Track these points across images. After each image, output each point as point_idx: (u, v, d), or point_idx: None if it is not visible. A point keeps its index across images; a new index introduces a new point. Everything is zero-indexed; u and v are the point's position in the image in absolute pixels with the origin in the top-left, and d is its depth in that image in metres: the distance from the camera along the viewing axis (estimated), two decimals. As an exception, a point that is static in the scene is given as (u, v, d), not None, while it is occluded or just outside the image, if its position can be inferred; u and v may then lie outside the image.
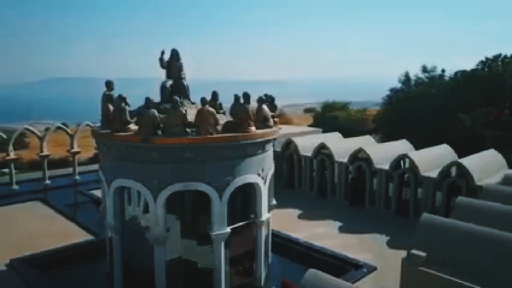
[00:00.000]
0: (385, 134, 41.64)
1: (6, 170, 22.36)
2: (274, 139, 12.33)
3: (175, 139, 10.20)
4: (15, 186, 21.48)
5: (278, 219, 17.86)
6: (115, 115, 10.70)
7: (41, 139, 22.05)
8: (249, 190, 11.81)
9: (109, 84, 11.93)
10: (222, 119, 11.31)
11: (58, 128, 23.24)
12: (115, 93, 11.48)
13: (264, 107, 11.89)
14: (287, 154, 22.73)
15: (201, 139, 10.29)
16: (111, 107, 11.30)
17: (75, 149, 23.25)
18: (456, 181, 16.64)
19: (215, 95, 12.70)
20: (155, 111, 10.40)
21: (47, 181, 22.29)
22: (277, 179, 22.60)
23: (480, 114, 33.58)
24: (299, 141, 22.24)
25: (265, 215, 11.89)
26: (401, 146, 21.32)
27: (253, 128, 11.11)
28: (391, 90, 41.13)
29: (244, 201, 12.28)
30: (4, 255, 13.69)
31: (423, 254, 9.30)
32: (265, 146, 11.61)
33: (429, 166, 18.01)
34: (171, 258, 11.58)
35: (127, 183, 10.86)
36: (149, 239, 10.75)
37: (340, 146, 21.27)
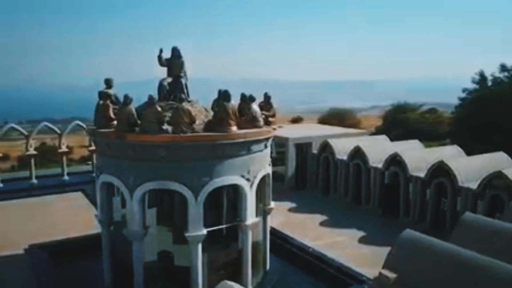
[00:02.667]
0: (458, 138, 38.05)
1: (89, 162, 24.07)
2: (267, 139, 11.72)
3: (147, 137, 10.14)
4: (66, 177, 23.25)
5: (300, 225, 17.18)
6: (98, 111, 10.94)
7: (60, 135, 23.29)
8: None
9: (107, 82, 12.27)
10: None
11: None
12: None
13: (253, 106, 11.36)
14: (323, 157, 21.68)
15: (173, 137, 10.11)
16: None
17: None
18: (498, 194, 14.51)
19: (220, 93, 12.44)
20: (132, 108, 10.45)
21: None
22: (313, 184, 21.88)
23: None
24: (336, 143, 21.08)
25: (251, 219, 11.34)
26: (449, 152, 19.22)
27: (234, 128, 10.65)
28: (464, 90, 37.35)
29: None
30: (31, 240, 14.71)
31: (393, 275, 8.12)
32: (251, 147, 11.06)
33: (472, 175, 15.94)
34: (156, 256, 11.63)
35: (109, 179, 11.05)
36: (126, 235, 10.84)
37: (413, 155, 18.34)
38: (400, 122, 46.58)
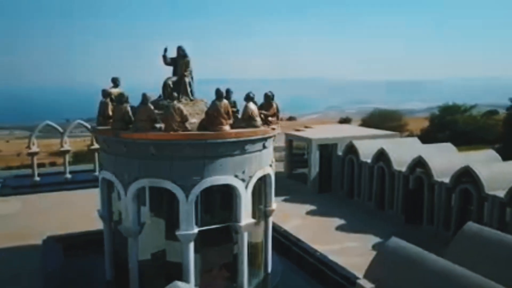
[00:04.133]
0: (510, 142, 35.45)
1: None
2: (265, 139, 11.48)
3: (138, 135, 10.26)
4: (97, 173, 24.21)
5: (315, 229, 16.73)
6: (99, 110, 11.25)
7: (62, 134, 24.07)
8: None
9: (114, 81, 12.62)
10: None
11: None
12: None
13: (250, 105, 11.17)
14: (348, 159, 20.97)
15: (162, 135, 10.17)
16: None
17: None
18: (527, 204, 13.30)
19: (228, 92, 12.40)
20: (127, 106, 10.63)
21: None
22: (338, 187, 21.23)
23: None
24: (361, 145, 20.32)
25: (245, 220, 11.15)
26: (482, 156, 17.91)
27: (226, 127, 10.53)
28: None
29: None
30: (54, 231, 15.42)
31: (371, 285, 7.66)
32: (245, 146, 10.88)
33: (503, 182, 14.69)
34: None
35: (107, 175, 11.32)
36: (121, 231, 11.05)
37: (440, 161, 16.88)
38: (448, 124, 44.18)
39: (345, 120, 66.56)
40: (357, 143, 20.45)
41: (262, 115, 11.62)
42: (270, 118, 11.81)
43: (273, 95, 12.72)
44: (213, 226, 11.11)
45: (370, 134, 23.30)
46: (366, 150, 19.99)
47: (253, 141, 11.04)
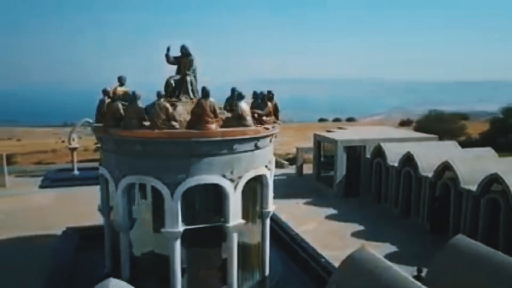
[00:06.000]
0: None
1: None
2: (257, 139, 11.18)
3: (126, 132, 10.44)
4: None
5: (329, 234, 16.12)
6: (98, 107, 11.62)
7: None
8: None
9: (120, 80, 12.96)
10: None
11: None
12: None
13: (241, 104, 10.96)
14: (376, 163, 19.96)
15: (147, 133, 10.26)
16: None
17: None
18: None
19: (233, 92, 12.34)
20: (118, 104, 10.86)
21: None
22: (366, 192, 20.28)
23: None
24: (389, 148, 19.25)
25: (234, 220, 10.94)
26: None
27: (212, 126, 10.39)
28: None
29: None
30: (78, 223, 16.24)
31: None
32: (233, 146, 10.67)
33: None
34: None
35: (103, 171, 11.66)
36: (114, 226, 11.33)
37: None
38: (510, 128, 40.53)
39: (405, 122, 63.61)
40: (386, 146, 19.42)
41: (256, 115, 11.36)
42: (264, 118, 11.49)
43: (272, 95, 12.41)
44: (200, 226, 11.01)
45: (403, 136, 21.99)
46: (394, 154, 18.91)
47: (242, 141, 10.79)
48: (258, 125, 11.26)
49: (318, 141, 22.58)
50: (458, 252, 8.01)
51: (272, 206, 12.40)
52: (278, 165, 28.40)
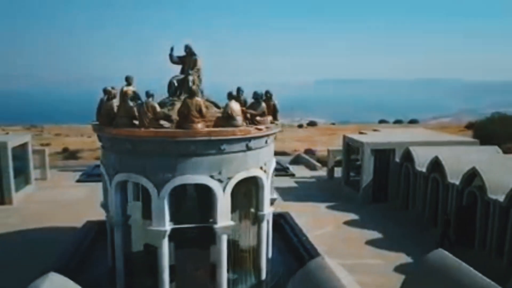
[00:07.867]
0: None
1: None
2: (249, 139, 10.90)
3: (115, 130, 10.63)
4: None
5: (342, 241, 15.51)
6: (98, 106, 11.96)
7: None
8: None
9: (127, 79, 13.27)
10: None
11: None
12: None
13: (232, 104, 10.76)
14: (404, 167, 18.80)
15: (134, 132, 10.36)
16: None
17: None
18: None
19: (238, 91, 12.25)
20: (112, 103, 11.10)
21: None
22: (394, 197, 19.18)
23: None
24: (418, 152, 18.04)
25: (222, 221, 10.75)
26: None
27: (198, 125, 10.28)
28: None
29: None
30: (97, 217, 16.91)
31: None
32: (222, 146, 10.48)
33: None
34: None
35: (101, 168, 11.99)
36: (108, 221, 11.61)
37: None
38: None
39: (471, 125, 59.63)
40: (415, 150, 18.22)
41: (249, 114, 11.10)
42: (258, 118, 11.18)
43: (271, 95, 12.10)
44: (188, 226, 10.97)
45: (437, 140, 20.50)
46: (424, 158, 17.68)
47: (231, 141, 10.57)
48: (250, 125, 11.00)
49: (347, 143, 21.71)
50: (433, 268, 7.28)
51: (269, 208, 12.06)
52: (311, 167, 27.76)
